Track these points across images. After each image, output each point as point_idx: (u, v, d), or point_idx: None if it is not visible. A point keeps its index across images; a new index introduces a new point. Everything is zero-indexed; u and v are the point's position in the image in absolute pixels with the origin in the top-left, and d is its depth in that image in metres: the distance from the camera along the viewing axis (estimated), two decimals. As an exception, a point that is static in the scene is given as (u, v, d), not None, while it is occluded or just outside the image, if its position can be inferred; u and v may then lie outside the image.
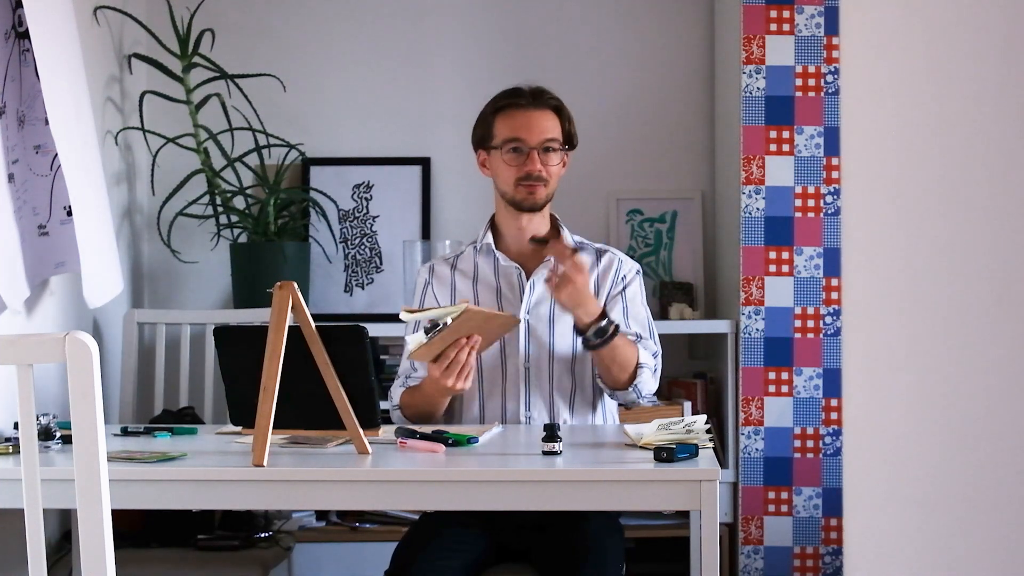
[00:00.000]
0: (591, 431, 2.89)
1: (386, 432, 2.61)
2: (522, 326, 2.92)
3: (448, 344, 2.68)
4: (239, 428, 2.61)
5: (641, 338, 2.95)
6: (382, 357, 3.85)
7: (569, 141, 2.96)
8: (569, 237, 3.00)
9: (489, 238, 3.00)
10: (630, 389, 2.89)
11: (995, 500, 1.18)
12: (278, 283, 2.37)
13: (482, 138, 2.98)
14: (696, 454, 2.40)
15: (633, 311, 2.97)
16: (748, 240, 3.80)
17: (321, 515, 3.93)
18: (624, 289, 2.97)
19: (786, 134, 3.80)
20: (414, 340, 2.65)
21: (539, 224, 2.98)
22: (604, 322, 2.80)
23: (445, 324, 2.61)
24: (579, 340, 2.88)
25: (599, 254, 3.01)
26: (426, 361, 2.74)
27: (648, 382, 2.91)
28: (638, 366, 2.87)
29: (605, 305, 2.92)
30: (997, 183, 1.19)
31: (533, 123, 2.91)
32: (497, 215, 3.02)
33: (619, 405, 3.04)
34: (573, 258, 2.78)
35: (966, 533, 1.19)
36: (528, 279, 2.96)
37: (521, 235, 2.98)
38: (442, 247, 3.97)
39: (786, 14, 3.79)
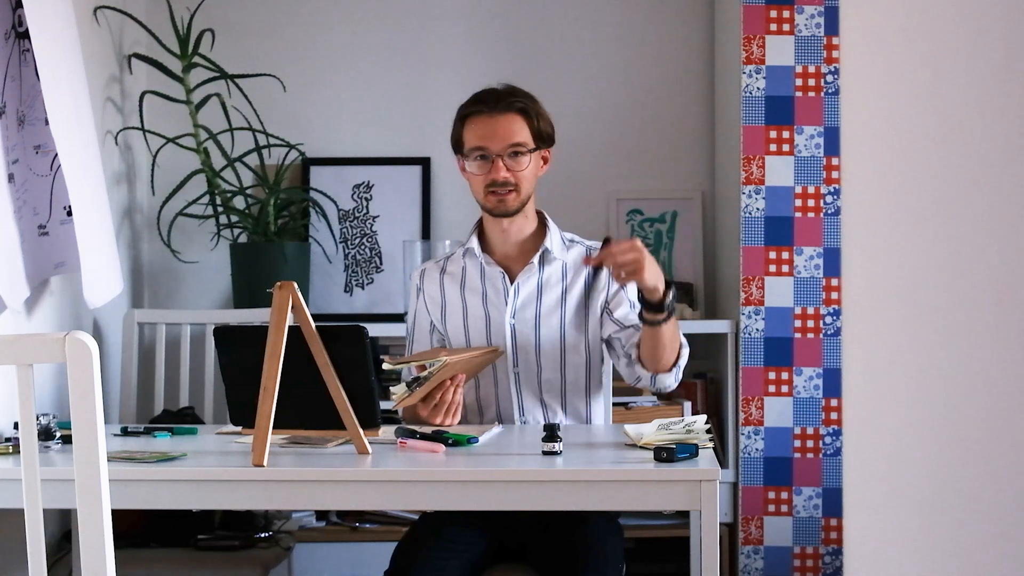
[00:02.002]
0: (590, 431, 2.89)
1: (386, 432, 2.62)
2: (508, 331, 2.92)
3: (433, 388, 2.75)
4: (239, 428, 2.61)
5: None
6: (382, 357, 3.85)
7: (542, 140, 2.90)
8: (558, 234, 2.97)
9: (474, 241, 2.97)
10: (672, 370, 2.85)
11: (995, 500, 1.18)
12: (278, 283, 2.37)
13: (455, 145, 2.94)
14: (696, 454, 2.40)
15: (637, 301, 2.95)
16: (748, 240, 3.80)
17: (321, 515, 3.93)
18: (623, 285, 2.93)
19: (786, 134, 3.80)
20: (398, 391, 2.75)
21: (522, 225, 2.94)
22: (672, 293, 2.73)
23: (424, 378, 2.70)
24: (633, 315, 2.82)
25: (589, 253, 2.96)
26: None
27: (685, 359, 2.87)
28: (681, 345, 2.85)
29: (609, 304, 2.92)
30: (997, 183, 1.19)
31: (496, 130, 2.85)
32: (483, 218, 3.00)
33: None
34: (611, 248, 2.67)
35: (966, 533, 1.19)
36: (512, 282, 2.95)
37: (504, 238, 2.94)
38: (442, 247, 3.97)
39: (786, 14, 3.79)
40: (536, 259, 2.93)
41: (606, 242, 2.71)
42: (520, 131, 2.86)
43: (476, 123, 2.87)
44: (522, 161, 2.86)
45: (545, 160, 2.94)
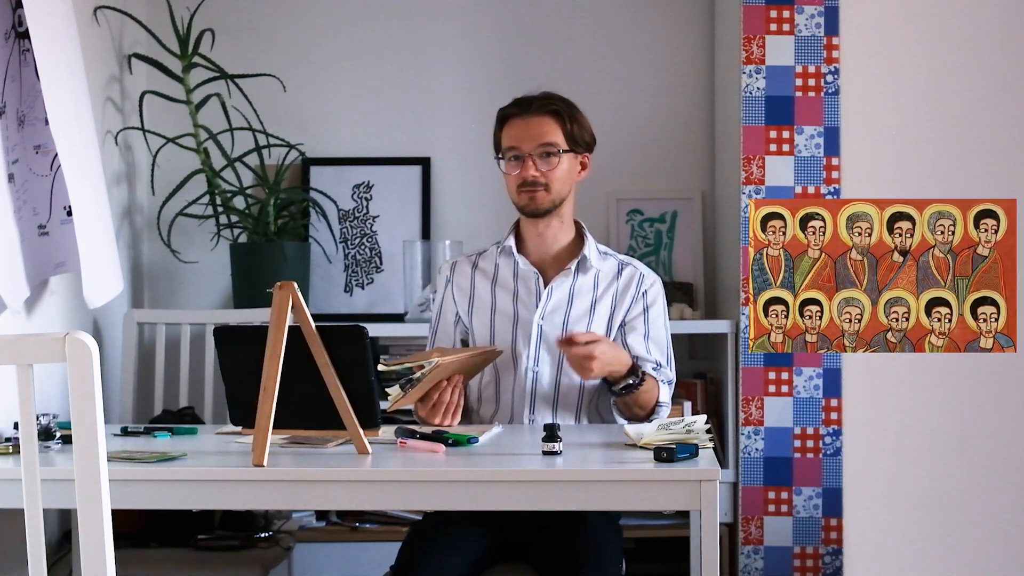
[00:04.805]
0: (591, 431, 2.89)
1: (386, 432, 2.62)
2: (535, 330, 2.94)
3: (428, 388, 2.77)
4: (239, 428, 2.61)
5: (660, 367, 2.96)
6: (382, 357, 3.85)
7: (576, 143, 2.97)
8: (594, 246, 3.02)
9: (511, 241, 3.02)
10: (647, 420, 2.91)
11: (993, 500, 1.19)
12: (278, 283, 2.37)
13: (495, 148, 3.02)
14: (696, 454, 2.40)
15: (654, 334, 2.98)
16: (748, 240, 3.80)
17: (321, 515, 3.93)
18: (647, 309, 2.98)
19: (786, 134, 3.80)
20: (393, 393, 2.76)
21: (558, 231, 3.00)
22: (632, 379, 2.84)
23: (417, 379, 2.72)
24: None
25: (621, 267, 3.02)
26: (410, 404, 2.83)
27: (663, 415, 2.95)
28: (657, 404, 2.92)
29: (626, 325, 2.96)
30: (996, 182, 1.19)
31: (528, 130, 2.93)
32: (520, 219, 3.05)
33: None
34: (574, 338, 2.79)
35: (965, 533, 1.20)
36: (546, 285, 2.98)
37: (540, 241, 3.00)
38: (442, 247, 3.98)
39: (786, 14, 3.79)
40: (573, 265, 2.97)
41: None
42: (551, 132, 2.94)
43: (511, 125, 2.97)
44: (552, 161, 2.93)
45: (584, 166, 3.01)
